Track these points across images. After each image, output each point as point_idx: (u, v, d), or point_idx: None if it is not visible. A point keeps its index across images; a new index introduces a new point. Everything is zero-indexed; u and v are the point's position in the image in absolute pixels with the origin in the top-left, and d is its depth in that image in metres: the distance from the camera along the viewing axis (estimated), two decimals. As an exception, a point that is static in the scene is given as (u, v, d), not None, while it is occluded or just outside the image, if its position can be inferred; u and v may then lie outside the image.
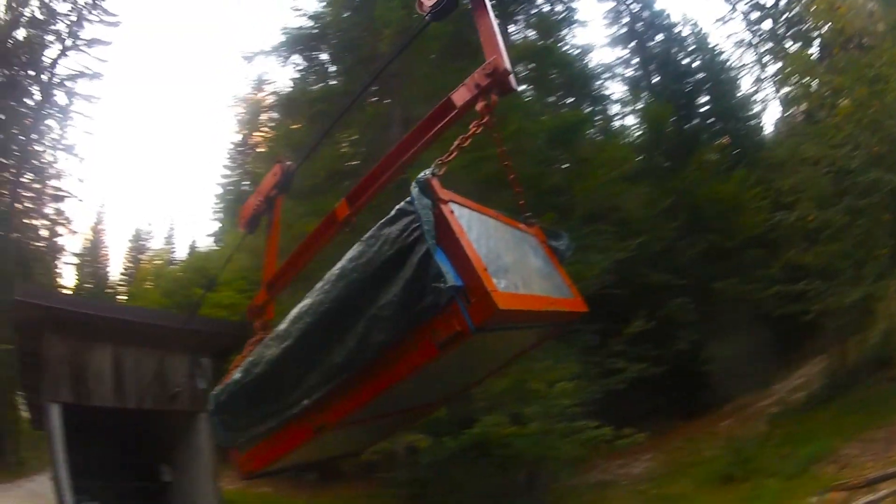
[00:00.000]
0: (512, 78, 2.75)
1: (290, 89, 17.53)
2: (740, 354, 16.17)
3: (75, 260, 44.86)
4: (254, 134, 32.97)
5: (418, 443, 10.38)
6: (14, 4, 27.25)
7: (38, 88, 29.29)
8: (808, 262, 14.12)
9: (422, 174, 2.40)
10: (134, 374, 11.85)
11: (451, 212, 2.36)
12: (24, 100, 29.07)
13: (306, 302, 2.64)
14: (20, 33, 28.02)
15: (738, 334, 16.33)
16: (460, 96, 2.81)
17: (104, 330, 11.70)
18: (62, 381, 11.55)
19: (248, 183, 26.35)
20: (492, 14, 2.93)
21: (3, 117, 27.83)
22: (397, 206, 2.41)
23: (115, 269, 57.77)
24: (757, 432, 13.27)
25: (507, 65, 2.71)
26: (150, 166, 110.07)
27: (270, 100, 19.73)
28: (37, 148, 30.04)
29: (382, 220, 2.43)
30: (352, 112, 11.96)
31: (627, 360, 13.68)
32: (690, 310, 16.93)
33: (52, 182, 31.13)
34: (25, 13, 27.83)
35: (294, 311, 2.70)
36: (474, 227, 2.51)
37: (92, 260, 54.28)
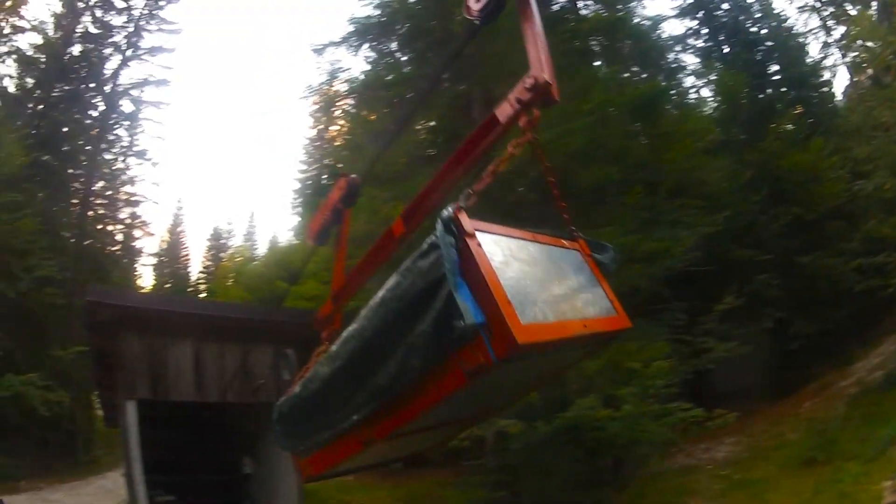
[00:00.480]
0: (555, 89, 2.71)
1: (364, 78, 17.24)
2: (823, 332, 15.61)
3: (154, 261, 46.77)
4: (329, 127, 33.18)
5: (510, 428, 9.98)
6: (64, 22, 28.04)
7: (101, 99, 30.17)
8: (886, 233, 13.56)
9: (447, 209, 2.49)
10: (215, 368, 11.84)
11: (478, 244, 2.45)
12: (90, 112, 30.09)
13: (354, 326, 2.81)
14: (76, 49, 28.88)
15: (821, 310, 15.78)
16: (503, 112, 2.82)
17: (183, 326, 11.72)
18: (139, 378, 11.61)
19: (325, 176, 26.31)
20: (538, 19, 2.89)
21: (66, 129, 28.79)
22: (428, 240, 2.51)
23: (196, 269, 59.57)
24: (837, 413, 12.76)
25: (548, 77, 2.69)
26: (227, 165, 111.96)
27: (344, 90, 19.49)
28: (106, 157, 31.10)
29: (416, 253, 2.55)
30: (428, 98, 11.74)
31: (716, 338, 12.98)
32: (775, 286, 16.12)
33: (126, 188, 32.40)
34: (78, 29, 28.65)
35: (344, 334, 2.87)
36: (504, 254, 2.61)
37: (171, 261, 56.13)
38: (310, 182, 31.35)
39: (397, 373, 2.54)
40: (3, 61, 26.39)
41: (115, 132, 31.18)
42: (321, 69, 21.76)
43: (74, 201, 29.52)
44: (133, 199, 32.71)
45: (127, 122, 31.29)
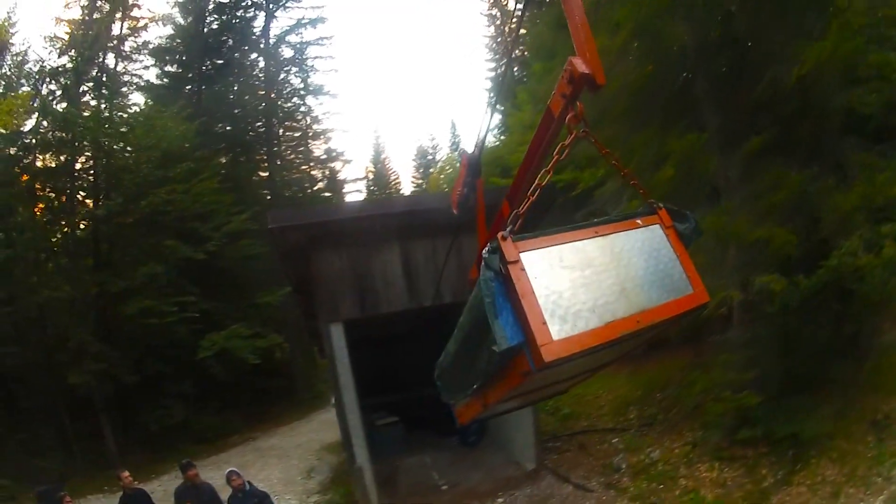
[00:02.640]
0: (598, 74, 2.86)
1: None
2: None
3: (363, 191, 49.43)
4: (511, 20, 31.67)
5: (772, 284, 7.98)
6: (190, 6, 28.62)
7: (260, 56, 31.14)
8: None
9: (489, 245, 2.93)
10: (427, 268, 10.70)
11: (521, 269, 2.87)
12: (252, 73, 31.20)
13: (462, 318, 3.32)
14: (214, 24, 29.58)
15: None
16: (555, 106, 3.15)
17: (386, 229, 10.64)
18: (342, 298, 10.77)
19: (517, 68, 25.12)
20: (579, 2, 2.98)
21: (232, 96, 29.78)
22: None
23: (407, 190, 60.97)
24: None
25: (586, 66, 2.86)
26: (414, 80, 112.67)
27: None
28: (283, 104, 32.26)
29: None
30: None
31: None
32: None
33: (314, 127, 34.02)
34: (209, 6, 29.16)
35: (461, 318, 3.34)
36: (551, 267, 2.99)
37: (380, 189, 57.97)
38: (501, 77, 29.90)
39: (486, 363, 3.09)
40: (135, 59, 27.31)
41: (283, 80, 32.31)
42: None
43: (261, 155, 30.84)
44: (322, 134, 34.39)
45: (292, 68, 32.29)
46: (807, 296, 8.15)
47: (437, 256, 10.50)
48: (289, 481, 13.62)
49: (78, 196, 21.56)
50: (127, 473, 8.73)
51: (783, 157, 8.56)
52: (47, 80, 20.90)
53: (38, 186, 20.10)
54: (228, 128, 29.22)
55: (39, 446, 17.15)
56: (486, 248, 2.91)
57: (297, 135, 33.97)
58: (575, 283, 2.98)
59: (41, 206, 20.65)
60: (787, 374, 8.46)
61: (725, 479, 8.42)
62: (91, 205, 21.55)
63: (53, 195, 21.14)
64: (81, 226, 21.70)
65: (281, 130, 32.86)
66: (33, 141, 19.92)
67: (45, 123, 20.26)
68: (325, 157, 35.36)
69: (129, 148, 21.52)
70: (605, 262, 3.16)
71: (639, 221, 3.44)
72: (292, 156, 34.07)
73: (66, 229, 21.25)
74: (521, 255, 2.91)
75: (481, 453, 12.97)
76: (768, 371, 8.45)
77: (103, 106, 22.13)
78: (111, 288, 19.26)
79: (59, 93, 21.10)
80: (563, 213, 12.66)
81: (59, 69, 21.29)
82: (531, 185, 3.17)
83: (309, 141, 34.52)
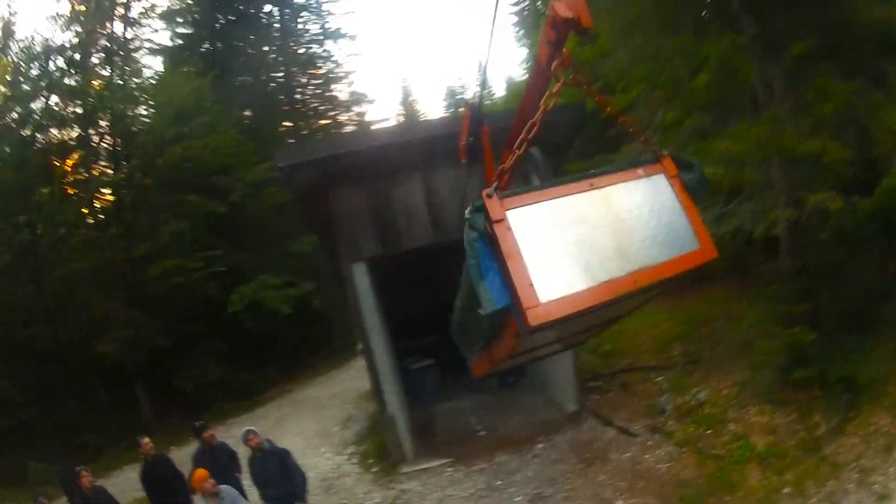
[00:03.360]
0: (583, 16, 2.71)
1: None
2: None
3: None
4: None
5: (828, 203, 6.90)
6: None
7: (272, 6, 30.54)
8: None
9: (472, 204, 2.79)
10: (453, 199, 9.62)
11: (507, 228, 2.74)
12: (267, 23, 30.56)
13: (463, 274, 3.17)
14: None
15: None
16: (543, 53, 3.03)
17: (407, 158, 9.79)
18: (363, 235, 10.01)
19: (538, 3, 23.97)
20: None
21: (251, 50, 29.19)
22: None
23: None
24: None
25: (568, 10, 2.71)
26: (438, 22, 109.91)
27: None
28: (301, 52, 31.65)
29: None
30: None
31: None
32: None
33: (335, 71, 33.16)
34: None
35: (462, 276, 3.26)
36: (541, 225, 2.84)
37: None
38: (526, 11, 28.36)
39: (484, 326, 3.25)
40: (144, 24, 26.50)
41: (300, 28, 31.69)
42: None
43: (283, 105, 30.43)
44: (344, 77, 33.69)
45: (308, 14, 31.60)
46: (863, 219, 7.15)
47: (461, 184, 9.58)
48: (324, 433, 13.23)
49: (96, 167, 21.16)
50: (147, 440, 8.18)
51: (827, 67, 7.45)
52: (53, 56, 20.32)
53: (55, 162, 19.66)
54: (248, 78, 28.46)
55: (75, 423, 17.20)
56: (469, 208, 2.80)
57: (318, 81, 32.89)
58: (566, 241, 2.86)
59: (62, 181, 20.24)
60: (842, 310, 7.59)
61: (777, 425, 7.62)
62: (112, 173, 21.12)
63: (70, 170, 20.70)
64: (105, 196, 21.43)
65: (302, 78, 32.04)
66: (44, 121, 19.47)
67: (56, 100, 19.75)
68: (350, 100, 34.43)
69: (142, 109, 21.10)
70: (600, 217, 3.00)
71: (640, 171, 3.24)
72: (316, 103, 33.14)
73: (87, 201, 20.90)
74: (508, 212, 2.80)
75: (520, 395, 12.33)
76: (822, 305, 7.60)
77: (115, 75, 21.47)
78: (135, 252, 19.00)
79: (67, 68, 20.53)
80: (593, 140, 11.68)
81: (65, 45, 20.67)
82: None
83: (332, 86, 33.54)
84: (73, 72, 19.99)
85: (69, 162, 20.35)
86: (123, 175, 20.09)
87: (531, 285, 2.65)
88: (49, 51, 19.57)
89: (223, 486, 6.26)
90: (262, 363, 20.64)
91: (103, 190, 21.19)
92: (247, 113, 27.21)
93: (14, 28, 19.11)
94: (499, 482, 8.72)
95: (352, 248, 10.04)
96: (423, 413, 12.22)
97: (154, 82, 22.40)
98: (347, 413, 14.55)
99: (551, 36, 2.85)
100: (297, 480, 6.98)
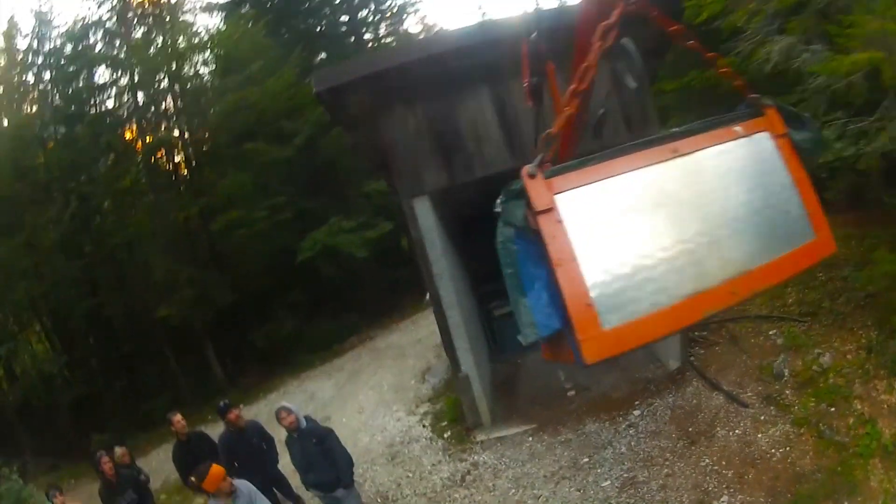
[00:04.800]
0: None
1: None
2: None
3: None
4: None
5: None
6: None
7: None
8: None
9: (505, 189, 2.19)
10: (530, 114, 7.87)
11: (557, 221, 2.09)
12: None
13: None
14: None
15: None
16: None
17: (472, 69, 7.98)
18: (423, 165, 8.40)
19: None
20: None
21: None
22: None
23: None
24: None
25: None
26: None
27: None
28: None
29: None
30: None
31: None
32: None
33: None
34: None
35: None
36: (601, 215, 2.14)
37: None
38: None
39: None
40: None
41: None
42: None
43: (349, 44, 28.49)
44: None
45: None
46: None
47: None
48: (400, 387, 12.15)
49: (153, 130, 20.62)
50: (179, 417, 7.26)
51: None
52: (92, 30, 19.85)
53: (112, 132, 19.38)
54: (311, 21, 26.94)
55: (145, 389, 17.09)
56: (502, 194, 2.23)
57: (388, 15, 30.87)
58: (639, 237, 2.14)
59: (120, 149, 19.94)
60: None
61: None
62: (168, 133, 20.66)
63: (130, 137, 20.37)
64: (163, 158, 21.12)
65: (368, 16, 29.98)
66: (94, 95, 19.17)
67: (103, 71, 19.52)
68: (422, 34, 32.08)
69: (194, 61, 20.51)
70: (686, 197, 2.25)
71: (737, 129, 2.43)
72: (386, 39, 31.27)
73: (146, 166, 20.49)
74: (557, 198, 2.15)
75: (618, 347, 10.53)
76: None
77: (160, 38, 20.78)
78: (194, 210, 18.54)
79: (107, 40, 20.22)
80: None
81: (101, 19, 20.24)
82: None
83: (403, 18, 31.37)
84: (115, 42, 19.70)
85: (127, 131, 20.02)
86: (181, 133, 19.61)
87: (589, 305, 2.03)
88: (86, 27, 19.40)
89: (237, 482, 5.19)
90: (344, 311, 19.72)
91: (163, 150, 20.75)
92: (321, 56, 25.79)
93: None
94: (585, 459, 7.31)
95: (411, 180, 8.50)
96: (506, 366, 10.82)
97: (207, 38, 21.61)
98: (427, 363, 13.37)
99: None
100: (341, 464, 5.82)
